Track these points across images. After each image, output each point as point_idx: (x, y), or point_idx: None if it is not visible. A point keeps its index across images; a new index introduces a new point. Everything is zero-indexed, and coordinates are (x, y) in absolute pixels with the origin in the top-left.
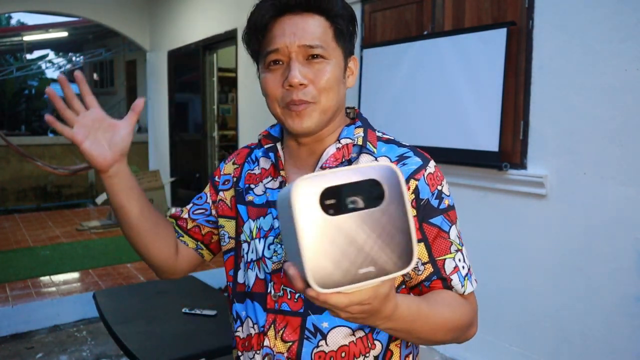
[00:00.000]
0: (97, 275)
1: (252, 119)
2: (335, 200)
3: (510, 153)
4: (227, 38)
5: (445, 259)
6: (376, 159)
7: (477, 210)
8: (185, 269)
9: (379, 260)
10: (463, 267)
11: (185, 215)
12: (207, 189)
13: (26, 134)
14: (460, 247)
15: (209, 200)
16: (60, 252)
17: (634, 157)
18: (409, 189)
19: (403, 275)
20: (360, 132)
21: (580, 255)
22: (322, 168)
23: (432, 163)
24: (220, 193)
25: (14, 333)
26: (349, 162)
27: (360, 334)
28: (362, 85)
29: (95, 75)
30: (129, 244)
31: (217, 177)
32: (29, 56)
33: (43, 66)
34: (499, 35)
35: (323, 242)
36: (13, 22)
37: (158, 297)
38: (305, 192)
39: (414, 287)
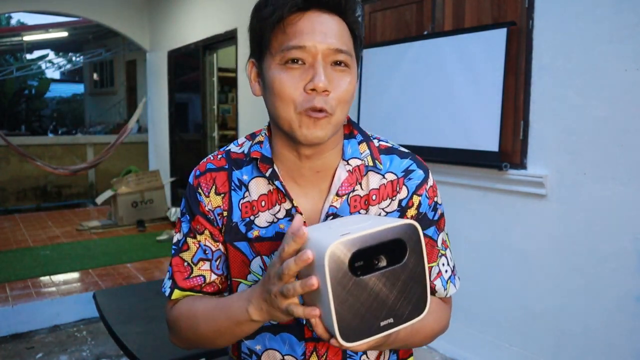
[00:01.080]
0: (97, 275)
1: (252, 119)
2: (362, 262)
3: (510, 153)
4: (227, 38)
5: (431, 267)
6: (383, 176)
7: (477, 210)
8: None
9: (397, 311)
10: (446, 271)
11: (212, 277)
12: (202, 237)
13: (26, 134)
14: (444, 252)
15: (219, 247)
16: (60, 252)
17: (634, 157)
18: (412, 205)
19: None
20: (365, 148)
21: (580, 255)
22: (339, 195)
23: (430, 173)
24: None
25: (14, 333)
26: (360, 184)
27: None
28: (362, 85)
29: (95, 75)
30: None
31: (208, 214)
32: (29, 56)
33: (43, 66)
34: (499, 36)
35: (351, 301)
36: (13, 22)
37: (158, 297)
38: (337, 257)
39: None
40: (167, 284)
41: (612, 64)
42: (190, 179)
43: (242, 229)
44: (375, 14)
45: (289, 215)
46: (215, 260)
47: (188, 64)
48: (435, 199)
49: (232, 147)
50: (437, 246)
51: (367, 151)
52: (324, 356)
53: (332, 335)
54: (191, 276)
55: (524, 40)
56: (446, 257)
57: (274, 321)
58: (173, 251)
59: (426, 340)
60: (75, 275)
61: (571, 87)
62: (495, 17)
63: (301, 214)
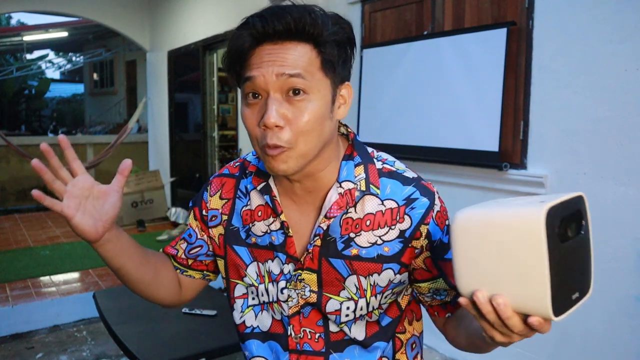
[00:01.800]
0: (97, 275)
1: None
2: (563, 229)
3: (510, 153)
4: (227, 38)
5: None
6: (382, 202)
7: None
8: (192, 295)
9: (580, 284)
10: None
11: (182, 255)
12: (194, 224)
13: (26, 134)
14: None
15: (203, 237)
16: (60, 252)
17: (634, 157)
18: (420, 235)
19: (397, 292)
20: (361, 171)
21: None
22: (327, 217)
23: (437, 198)
24: (211, 230)
25: (14, 333)
26: (354, 205)
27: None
28: (362, 85)
29: (95, 75)
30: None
31: (204, 210)
32: (29, 56)
33: (43, 66)
34: (499, 35)
35: (556, 270)
36: (13, 22)
37: None
38: (549, 223)
39: (432, 306)
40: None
41: (612, 64)
42: (210, 177)
43: (243, 235)
44: (375, 14)
45: (282, 228)
46: (192, 247)
47: (188, 64)
48: (447, 222)
49: (249, 156)
50: None
51: (363, 175)
52: None
53: (522, 314)
54: (173, 246)
55: (524, 40)
56: None
57: (85, 239)
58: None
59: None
60: (75, 275)
61: (571, 87)
62: (495, 17)
63: (289, 228)
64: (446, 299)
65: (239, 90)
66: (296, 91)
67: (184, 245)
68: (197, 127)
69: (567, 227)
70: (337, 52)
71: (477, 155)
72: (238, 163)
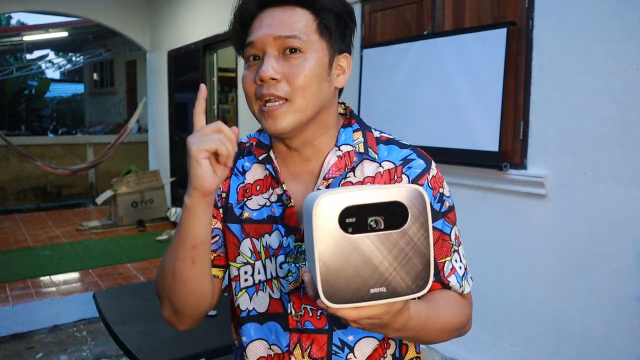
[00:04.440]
0: (97, 275)
1: (252, 119)
2: (355, 219)
3: (510, 153)
4: (227, 38)
5: (445, 262)
6: (380, 164)
7: (477, 211)
8: (214, 302)
9: (392, 281)
10: (460, 267)
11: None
12: None
13: (26, 134)
14: (457, 248)
15: (217, 224)
16: (60, 252)
17: (634, 157)
18: None
19: None
20: (359, 136)
21: (580, 255)
22: (325, 179)
23: (433, 164)
24: (220, 211)
25: (14, 333)
26: (352, 170)
27: (380, 337)
28: (362, 85)
29: (95, 75)
30: (171, 290)
31: None
32: (29, 56)
33: (43, 66)
34: (499, 35)
35: (338, 259)
36: (13, 22)
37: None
38: (327, 209)
39: None
40: None
41: (612, 64)
42: None
43: (237, 211)
44: (375, 14)
45: (280, 200)
46: (213, 237)
47: (188, 64)
48: (441, 190)
49: (243, 139)
50: (450, 240)
51: (361, 139)
52: (308, 349)
53: (318, 296)
54: None
55: (524, 40)
56: (459, 254)
57: (197, 186)
58: None
59: (443, 335)
60: (75, 275)
61: (571, 87)
62: (495, 17)
63: (290, 197)
64: None
65: (239, 90)
66: (292, 50)
67: None
68: None
69: (365, 218)
70: (334, 21)
71: (477, 155)
72: (247, 146)
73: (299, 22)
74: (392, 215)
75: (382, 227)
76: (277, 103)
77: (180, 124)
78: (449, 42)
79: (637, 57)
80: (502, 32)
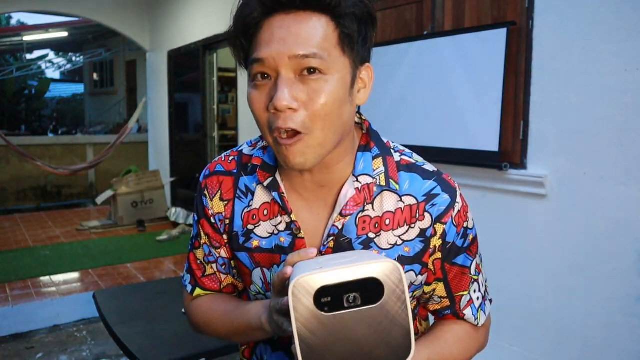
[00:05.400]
0: (97, 275)
1: (253, 119)
2: (331, 298)
3: (510, 153)
4: (227, 38)
5: (462, 295)
6: (401, 198)
7: (476, 210)
8: None
9: (372, 355)
10: (477, 298)
11: (227, 279)
12: (204, 238)
13: (26, 134)
14: (476, 277)
15: (222, 254)
16: (60, 252)
17: (634, 157)
18: (435, 233)
19: (417, 297)
20: (379, 164)
21: (580, 255)
22: (342, 215)
23: (459, 195)
24: (224, 237)
25: (14, 333)
26: (371, 203)
27: None
28: None
29: (95, 75)
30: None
31: (212, 218)
32: (29, 56)
33: (43, 66)
34: (499, 35)
35: (318, 338)
36: (13, 22)
37: (158, 297)
38: (302, 290)
39: (426, 302)
40: (187, 278)
41: (612, 64)
42: (201, 178)
43: (241, 239)
44: (375, 14)
45: (290, 229)
46: (222, 266)
47: (188, 64)
48: (465, 224)
49: (245, 148)
50: (470, 273)
51: (382, 168)
52: None
53: None
54: (205, 274)
55: (524, 40)
56: (478, 283)
57: (279, 334)
58: (189, 246)
59: None
60: (75, 275)
61: (571, 87)
62: (495, 17)
63: (300, 229)
64: (436, 307)
65: (239, 91)
66: (311, 70)
67: (214, 267)
68: (197, 127)
69: (340, 296)
70: (356, 28)
71: (477, 155)
72: (233, 157)
73: (316, 35)
74: (368, 290)
75: (359, 303)
76: (294, 138)
77: (180, 124)
78: (449, 42)
79: (637, 57)
80: (502, 32)
